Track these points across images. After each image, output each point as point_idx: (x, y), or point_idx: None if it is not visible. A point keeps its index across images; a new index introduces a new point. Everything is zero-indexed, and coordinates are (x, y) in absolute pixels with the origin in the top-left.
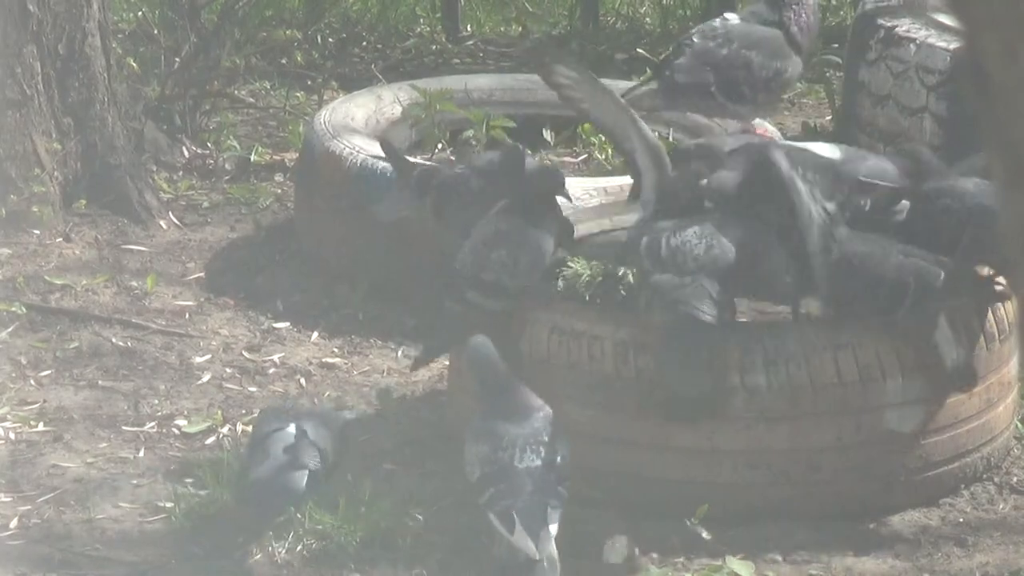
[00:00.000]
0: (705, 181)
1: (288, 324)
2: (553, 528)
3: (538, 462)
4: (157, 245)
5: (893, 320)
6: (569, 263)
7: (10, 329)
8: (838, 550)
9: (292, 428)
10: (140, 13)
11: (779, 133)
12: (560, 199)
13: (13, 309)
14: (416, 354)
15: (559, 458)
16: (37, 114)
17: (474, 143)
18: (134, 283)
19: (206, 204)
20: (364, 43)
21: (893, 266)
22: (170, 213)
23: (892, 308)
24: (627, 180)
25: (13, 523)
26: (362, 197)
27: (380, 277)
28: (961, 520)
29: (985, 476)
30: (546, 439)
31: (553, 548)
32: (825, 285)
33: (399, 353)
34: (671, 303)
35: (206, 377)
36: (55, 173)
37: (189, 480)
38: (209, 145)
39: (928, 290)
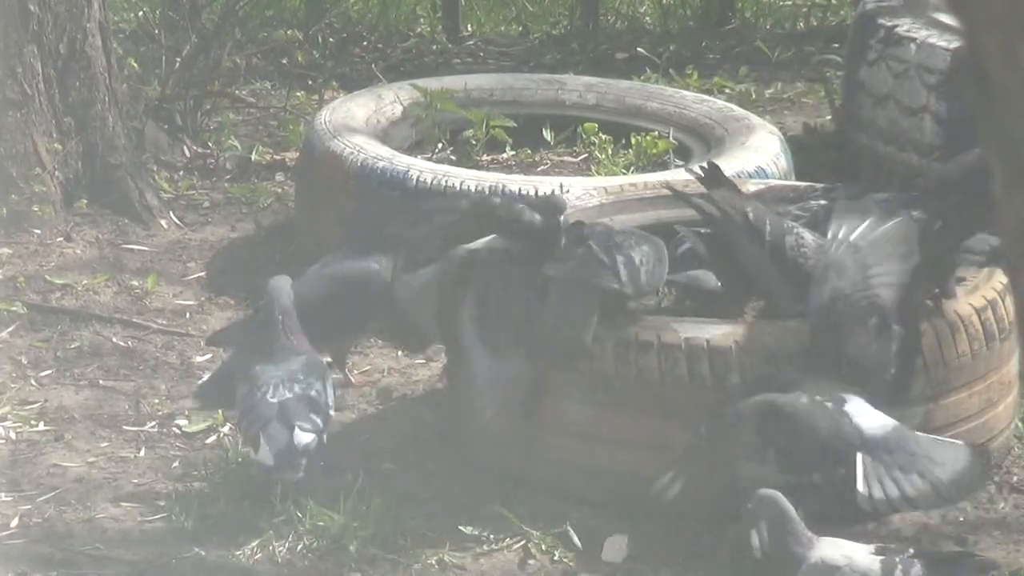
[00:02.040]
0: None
1: None
2: (302, 440)
3: (289, 395)
4: (158, 244)
5: None
6: None
7: (11, 329)
8: None
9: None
10: (141, 13)
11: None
12: None
13: (14, 309)
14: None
15: (314, 392)
16: (38, 114)
17: (474, 142)
18: (135, 282)
19: (207, 204)
20: (365, 43)
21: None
22: (171, 212)
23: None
24: (627, 180)
25: (14, 522)
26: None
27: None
28: (961, 519)
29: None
30: (301, 377)
31: (298, 460)
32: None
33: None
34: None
35: (207, 376)
36: (56, 173)
37: (190, 479)
38: (210, 145)
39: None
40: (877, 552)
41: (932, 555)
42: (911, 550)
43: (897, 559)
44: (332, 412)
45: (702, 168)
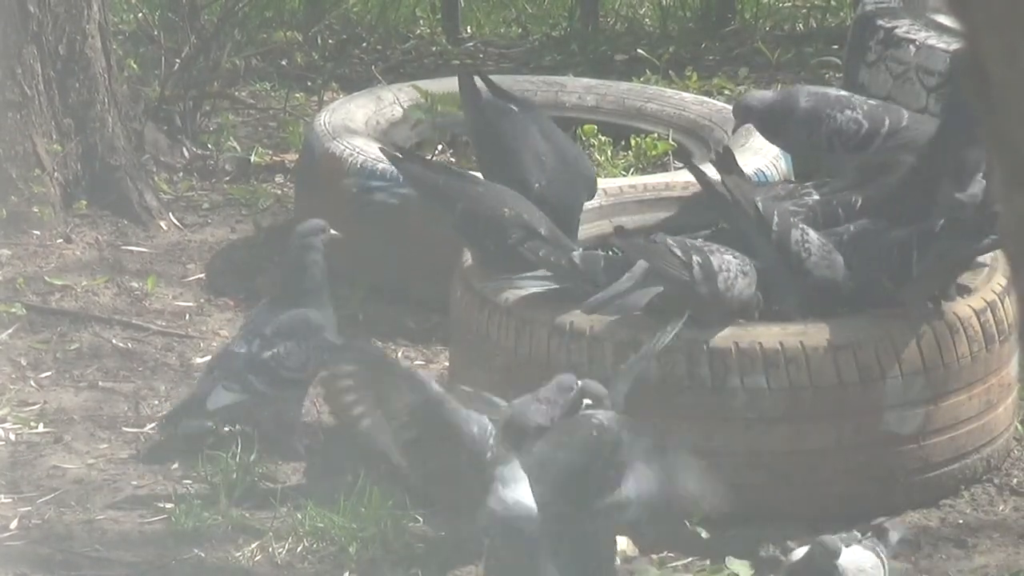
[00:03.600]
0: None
1: None
2: (217, 400)
3: (242, 350)
4: (157, 246)
5: (909, 278)
6: None
7: (10, 330)
8: None
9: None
10: (140, 14)
11: None
12: None
13: (13, 310)
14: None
15: (269, 353)
16: (37, 115)
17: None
18: (134, 284)
19: (206, 205)
20: (364, 44)
21: (893, 234)
22: (170, 214)
23: (905, 264)
24: (627, 181)
25: (14, 524)
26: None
27: (380, 277)
28: (961, 521)
29: (985, 477)
30: (268, 333)
31: (184, 419)
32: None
33: (399, 353)
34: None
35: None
36: (55, 174)
37: (189, 481)
38: (209, 146)
39: (930, 238)
40: (848, 541)
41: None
42: (856, 532)
43: (869, 535)
44: (296, 375)
45: (716, 153)
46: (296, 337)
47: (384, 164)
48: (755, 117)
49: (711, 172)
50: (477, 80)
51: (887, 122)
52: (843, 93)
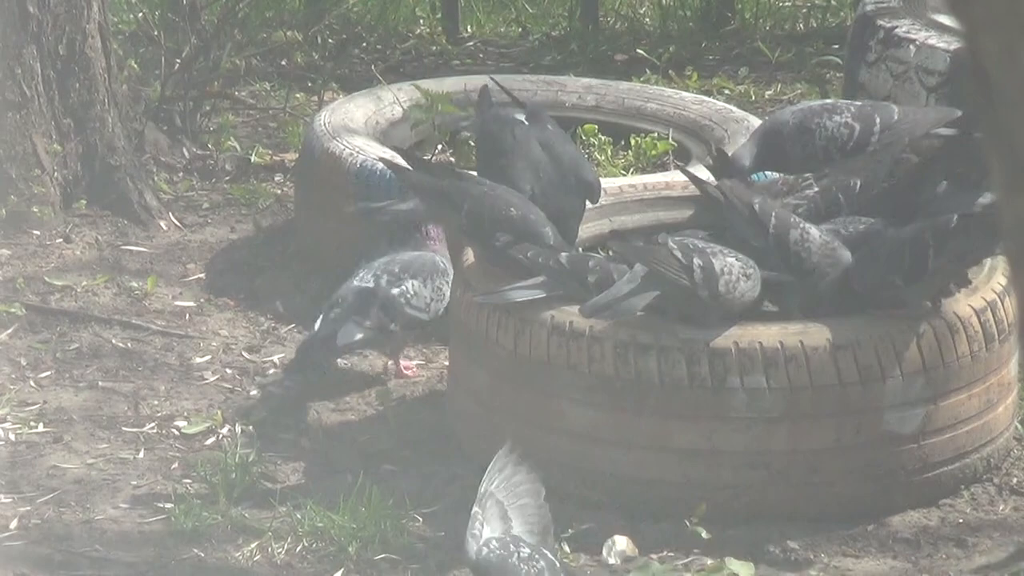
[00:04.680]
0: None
1: (288, 325)
2: (347, 335)
3: (368, 284)
4: (157, 246)
5: (922, 277)
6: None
7: (10, 330)
8: (837, 551)
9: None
10: (140, 14)
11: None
12: None
13: (13, 310)
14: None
15: (396, 291)
16: (37, 115)
17: (473, 144)
18: (134, 284)
19: (206, 205)
20: (364, 44)
21: (902, 231)
22: (170, 214)
23: (920, 265)
24: (627, 181)
25: (13, 524)
26: (360, 197)
27: None
28: (961, 521)
29: (985, 477)
30: (396, 270)
31: (321, 355)
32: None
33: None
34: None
35: (206, 378)
36: (55, 174)
37: (189, 481)
38: (209, 146)
39: (945, 235)
40: None
41: None
42: None
43: None
44: (422, 315)
45: (712, 156)
46: (422, 276)
47: (383, 167)
48: (754, 168)
49: (706, 175)
50: (493, 86)
51: (878, 120)
52: (827, 101)
